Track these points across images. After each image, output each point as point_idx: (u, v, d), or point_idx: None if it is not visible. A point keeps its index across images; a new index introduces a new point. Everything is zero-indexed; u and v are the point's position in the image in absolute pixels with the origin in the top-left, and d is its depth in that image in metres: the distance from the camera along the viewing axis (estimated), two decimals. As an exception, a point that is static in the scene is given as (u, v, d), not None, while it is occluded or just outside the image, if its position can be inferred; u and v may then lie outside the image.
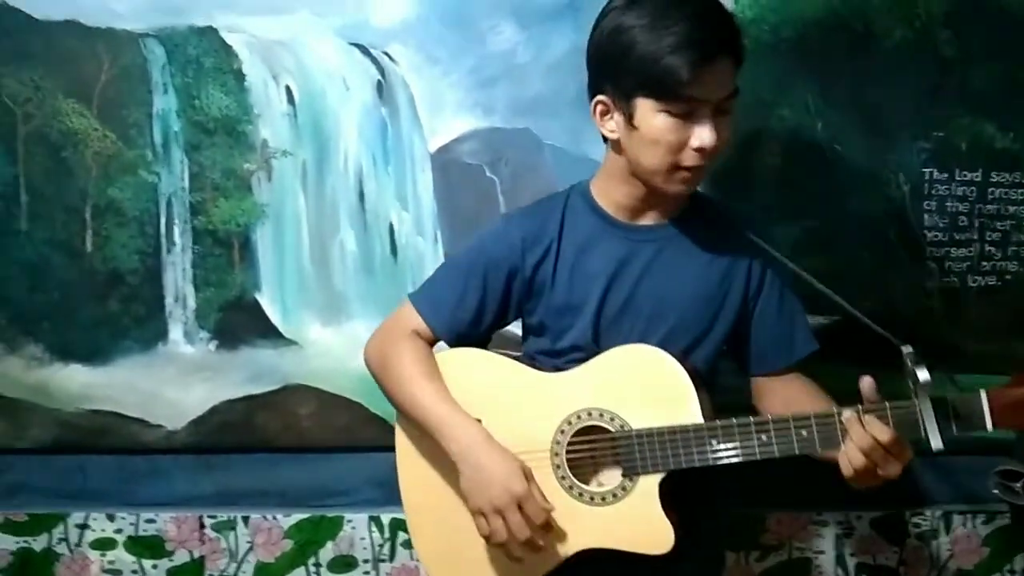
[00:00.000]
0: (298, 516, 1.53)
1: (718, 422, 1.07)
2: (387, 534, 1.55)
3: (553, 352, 1.18)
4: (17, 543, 1.54)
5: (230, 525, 1.54)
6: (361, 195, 1.50)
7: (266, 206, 1.50)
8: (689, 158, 1.07)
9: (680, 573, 1.12)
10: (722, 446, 1.06)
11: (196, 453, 1.52)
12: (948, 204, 1.52)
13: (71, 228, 1.49)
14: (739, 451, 1.05)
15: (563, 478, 1.12)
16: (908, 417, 0.99)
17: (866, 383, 1.01)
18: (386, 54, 1.47)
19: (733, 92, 1.07)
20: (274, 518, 1.54)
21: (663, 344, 1.12)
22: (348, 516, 1.54)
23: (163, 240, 1.50)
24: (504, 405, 1.14)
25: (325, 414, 1.50)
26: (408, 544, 1.52)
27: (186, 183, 1.49)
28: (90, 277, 1.49)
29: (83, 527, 1.54)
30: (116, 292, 1.50)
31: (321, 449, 1.52)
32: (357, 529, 1.54)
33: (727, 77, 1.05)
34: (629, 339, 1.13)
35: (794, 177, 1.50)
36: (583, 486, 1.11)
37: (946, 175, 1.52)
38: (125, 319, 1.50)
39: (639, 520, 1.08)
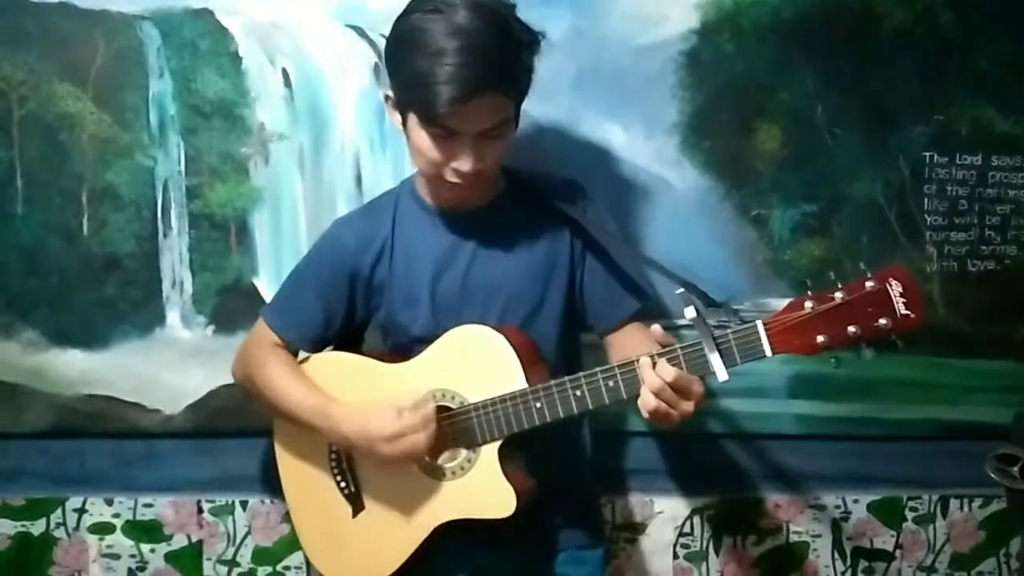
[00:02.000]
0: (296, 500, 1.53)
1: (539, 385, 1.12)
2: (385, 518, 1.55)
3: (403, 346, 1.25)
4: (15, 527, 1.54)
5: (228, 509, 1.55)
6: (358, 178, 1.50)
7: (263, 190, 1.49)
8: (451, 174, 1.14)
9: (548, 527, 1.25)
10: (544, 406, 1.12)
11: (194, 437, 1.51)
12: (948, 188, 1.52)
13: (67, 212, 1.48)
14: (559, 408, 1.11)
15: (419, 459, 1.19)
16: (696, 356, 1.03)
17: (656, 329, 1.06)
18: (383, 36, 1.45)
19: (502, 121, 1.12)
20: (272, 502, 1.54)
21: (500, 321, 1.20)
22: (346, 500, 1.54)
23: (160, 224, 1.49)
24: (359, 399, 1.21)
25: (323, 398, 1.50)
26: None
27: (182, 167, 1.48)
28: (87, 262, 1.49)
29: (81, 511, 1.54)
30: (113, 277, 1.49)
31: (319, 433, 1.52)
32: (355, 513, 1.54)
33: (491, 109, 1.10)
34: (468, 323, 1.19)
35: (794, 160, 1.49)
36: (434, 464, 1.19)
37: (946, 159, 1.52)
38: (122, 304, 1.50)
39: (485, 488, 1.16)
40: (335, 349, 1.31)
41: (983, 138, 1.51)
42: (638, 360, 1.06)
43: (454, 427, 1.18)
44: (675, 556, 1.57)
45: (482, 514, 1.16)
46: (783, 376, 1.52)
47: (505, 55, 1.09)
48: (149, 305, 1.50)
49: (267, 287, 1.50)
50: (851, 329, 0.98)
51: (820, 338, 0.99)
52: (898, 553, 1.59)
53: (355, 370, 1.25)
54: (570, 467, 1.30)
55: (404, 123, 1.16)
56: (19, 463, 1.53)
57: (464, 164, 1.12)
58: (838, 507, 1.58)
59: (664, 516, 1.56)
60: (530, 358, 1.16)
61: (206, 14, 1.45)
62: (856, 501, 1.58)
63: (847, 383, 1.51)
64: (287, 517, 1.54)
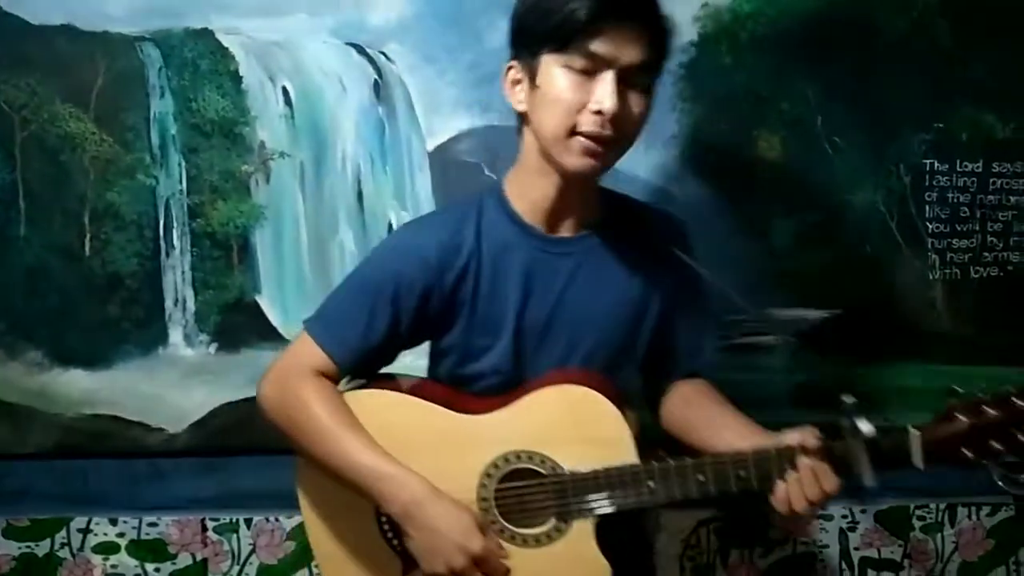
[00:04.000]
0: (301, 517, 1.52)
1: (655, 464, 1.02)
2: (390, 534, 1.54)
3: (465, 377, 1.10)
4: (20, 548, 1.53)
5: (232, 527, 1.54)
6: (359, 195, 1.50)
7: (264, 208, 1.49)
8: (587, 122, 0.99)
9: None
10: (659, 487, 1.02)
11: (197, 456, 1.51)
12: (949, 195, 1.52)
13: (69, 233, 1.48)
14: (676, 490, 1.02)
15: (493, 522, 1.06)
16: (843, 459, 0.99)
17: (809, 433, 1.01)
18: (383, 53, 1.47)
19: (645, 65, 0.99)
20: (276, 520, 1.54)
21: (585, 365, 1.08)
22: (351, 517, 1.54)
23: (162, 243, 1.49)
24: (423, 451, 1.05)
25: (326, 415, 1.50)
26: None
27: (184, 186, 1.49)
28: (89, 281, 1.49)
29: (85, 531, 1.53)
30: (115, 296, 1.49)
31: (323, 450, 1.52)
32: (360, 530, 1.54)
33: (636, 43, 0.98)
34: (550, 361, 1.08)
35: (795, 170, 1.49)
36: (515, 529, 1.06)
37: (947, 166, 1.52)
38: (125, 323, 1.50)
39: (575, 560, 1.04)
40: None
41: (983, 145, 1.51)
42: (777, 452, 1.00)
43: (541, 495, 1.05)
44: (682, 568, 1.56)
45: None
46: (787, 384, 1.51)
47: (662, 11, 1.01)
48: (152, 324, 1.50)
49: (269, 304, 1.50)
50: (995, 445, 0.97)
51: (968, 452, 0.98)
52: (906, 563, 1.58)
53: (420, 415, 1.07)
54: (639, 550, 1.18)
55: (534, 81, 1.01)
56: (23, 484, 1.53)
57: (606, 100, 0.96)
58: (845, 517, 1.57)
59: (671, 528, 1.55)
60: (638, 430, 1.06)
61: (206, 34, 1.46)
62: (863, 511, 1.57)
63: (852, 393, 1.50)
64: (292, 534, 1.54)
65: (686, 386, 1.17)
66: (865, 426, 0.99)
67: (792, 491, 0.99)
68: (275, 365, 1.10)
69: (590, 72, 0.98)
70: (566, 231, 1.10)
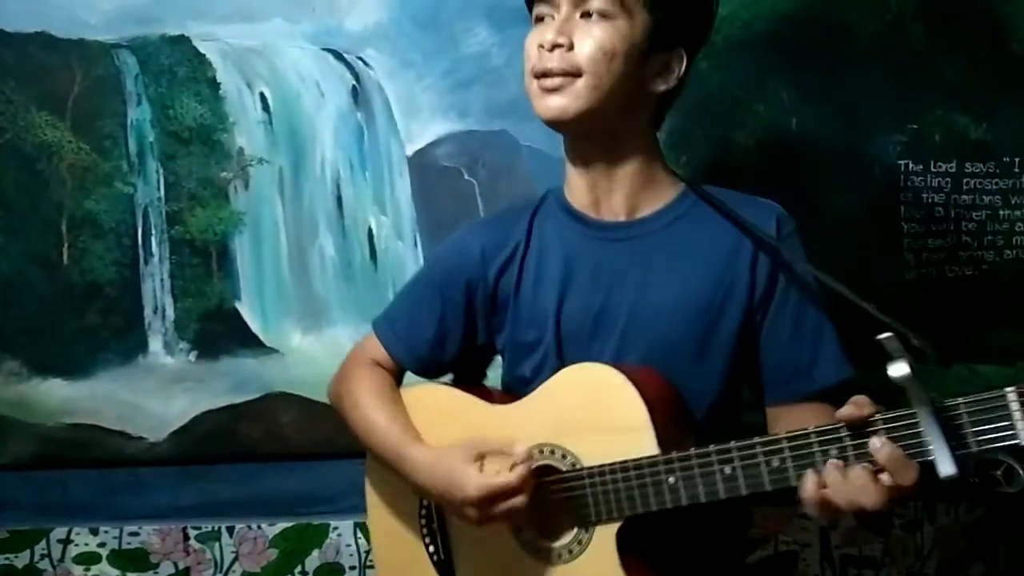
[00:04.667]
0: (283, 524, 1.52)
1: (675, 454, 0.87)
2: (373, 540, 1.54)
3: (517, 379, 1.04)
4: (-1, 560, 1.52)
5: (214, 536, 1.53)
6: (339, 201, 1.50)
7: (243, 214, 1.49)
8: (534, 58, 0.95)
9: None
10: (680, 483, 0.85)
11: (178, 464, 1.51)
12: (924, 195, 1.54)
13: (47, 241, 1.47)
14: (700, 488, 0.85)
15: (518, 530, 0.97)
16: (907, 433, 0.75)
17: (857, 401, 0.79)
18: (360, 59, 1.47)
19: None
20: (259, 527, 1.53)
21: (640, 363, 0.95)
22: (333, 523, 1.53)
23: (140, 251, 1.49)
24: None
25: (308, 421, 1.49)
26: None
27: (162, 193, 1.48)
28: (67, 290, 1.48)
29: (66, 542, 1.52)
30: (94, 305, 1.49)
31: (305, 457, 1.51)
32: (343, 536, 1.54)
33: None
34: (601, 359, 0.95)
35: (770, 172, 1.50)
36: (540, 541, 0.96)
37: (921, 167, 1.53)
38: (104, 332, 1.49)
39: None
40: (455, 378, 1.12)
41: (956, 146, 1.53)
42: (815, 432, 0.79)
43: (563, 496, 0.94)
44: (665, 570, 1.56)
45: None
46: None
47: None
48: (131, 332, 1.49)
49: (249, 312, 1.49)
50: None
51: None
52: (886, 560, 1.59)
53: (451, 408, 1.04)
54: (709, 560, 0.99)
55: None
56: (2, 495, 1.51)
57: (547, 34, 0.93)
58: (826, 516, 1.58)
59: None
60: (670, 417, 0.90)
61: (183, 41, 1.46)
62: (843, 509, 1.58)
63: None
64: (274, 542, 1.53)
65: (795, 412, 0.96)
66: (898, 369, 0.70)
67: (832, 482, 0.76)
68: (345, 357, 1.15)
69: (544, 17, 0.97)
70: (619, 215, 1.01)
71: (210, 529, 1.53)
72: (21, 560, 1.52)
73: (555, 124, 0.98)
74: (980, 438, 0.72)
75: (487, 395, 1.05)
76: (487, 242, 1.04)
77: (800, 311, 0.98)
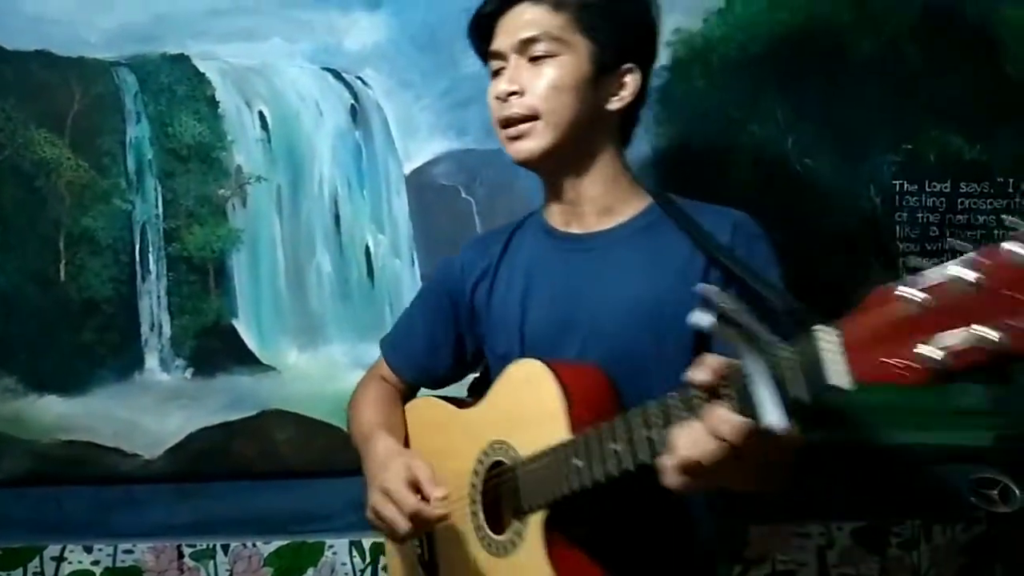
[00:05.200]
0: (278, 542, 1.52)
1: (579, 436, 0.88)
2: (368, 558, 1.53)
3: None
4: (-7, 578, 1.52)
5: (209, 554, 1.53)
6: (337, 219, 1.51)
7: (241, 232, 1.49)
8: (496, 109, 1.03)
9: None
10: (585, 464, 0.85)
11: (173, 481, 1.50)
12: (919, 215, 1.54)
13: (45, 258, 1.48)
14: (598, 467, 0.84)
15: (478, 527, 1.00)
16: (743, 387, 0.70)
17: (707, 365, 0.77)
18: (359, 78, 1.48)
19: (545, 38, 1.00)
20: (254, 545, 1.53)
21: (605, 369, 0.96)
22: (329, 541, 1.53)
23: (138, 268, 1.49)
24: (440, 450, 1.06)
25: (303, 439, 1.49)
26: (390, 568, 1.51)
27: (160, 210, 1.49)
28: (64, 307, 1.48)
29: (60, 559, 1.51)
30: (91, 321, 1.49)
31: (300, 474, 1.51)
32: (338, 554, 1.53)
33: (528, 22, 1.01)
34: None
35: (765, 192, 1.51)
36: (490, 535, 0.99)
37: (916, 186, 1.54)
38: (100, 348, 1.49)
39: (528, 572, 0.92)
40: (470, 392, 1.17)
41: (951, 166, 1.54)
42: (671, 394, 0.80)
43: (505, 489, 0.97)
44: (661, 589, 1.56)
45: None
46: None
47: None
48: (127, 349, 1.49)
49: (246, 329, 1.49)
50: (992, 334, 0.53)
51: (934, 353, 0.56)
52: (883, 580, 1.59)
53: (437, 416, 1.11)
54: (678, 564, 0.98)
55: None
56: (-4, 512, 1.51)
57: (499, 85, 1.01)
58: (823, 535, 1.57)
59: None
60: (589, 402, 0.90)
61: (183, 59, 1.47)
62: (840, 528, 1.57)
63: (825, 412, 1.52)
64: (269, 560, 1.53)
65: None
66: (702, 318, 0.66)
67: (675, 447, 0.76)
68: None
69: (499, 70, 1.04)
70: (588, 228, 1.06)
71: (205, 547, 1.52)
72: (15, 578, 1.52)
73: (526, 165, 1.05)
74: (807, 387, 0.67)
75: (464, 402, 1.11)
76: (467, 259, 1.14)
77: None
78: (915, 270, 0.61)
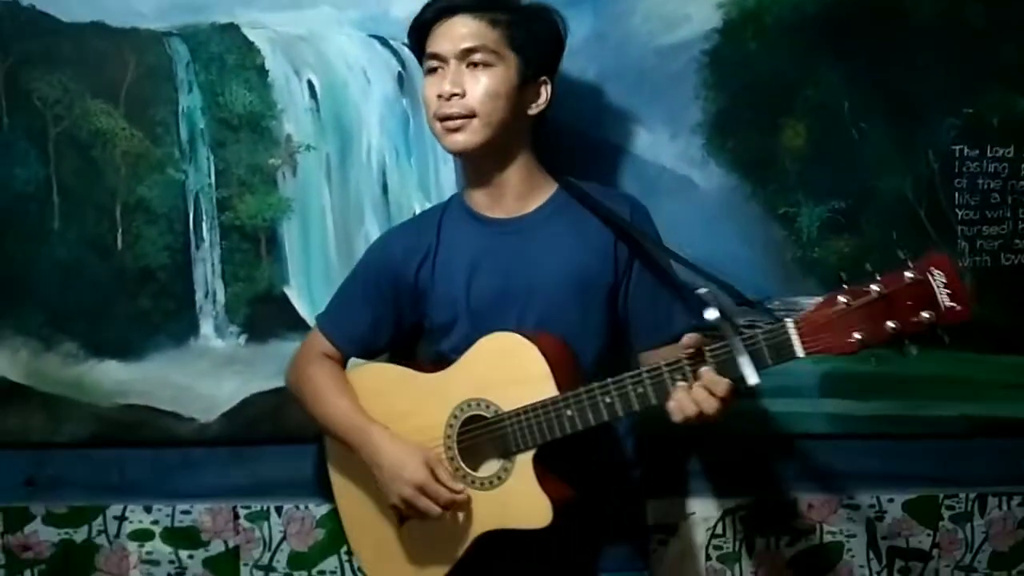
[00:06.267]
0: (330, 505, 1.55)
1: (569, 393, 1.11)
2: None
3: (443, 353, 1.25)
4: (59, 535, 1.57)
5: (263, 515, 1.57)
6: (385, 187, 1.51)
7: (291, 200, 1.51)
8: (436, 106, 1.20)
9: (591, 546, 1.23)
10: (575, 414, 1.10)
11: (228, 445, 1.54)
12: (979, 181, 1.50)
13: (102, 227, 1.51)
14: (590, 416, 1.10)
15: (457, 469, 1.20)
16: (724, 358, 1.01)
17: (689, 336, 1.04)
18: (406, 45, 1.46)
19: (482, 48, 1.18)
20: (306, 507, 1.56)
21: (537, 330, 1.17)
22: (379, 505, 1.56)
23: (191, 236, 1.52)
24: (403, 410, 1.23)
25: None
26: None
27: (212, 179, 1.51)
28: (121, 275, 1.52)
29: (121, 519, 1.57)
30: (147, 289, 1.52)
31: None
32: (388, 518, 1.56)
33: (467, 34, 1.18)
34: (505, 330, 1.17)
35: (820, 157, 1.48)
36: (473, 473, 1.18)
37: (977, 152, 1.50)
38: (156, 315, 1.52)
39: (521, 498, 1.14)
40: (391, 357, 1.33)
41: (1015, 129, 1.49)
42: (666, 364, 1.05)
43: (488, 436, 1.17)
44: (708, 558, 1.56)
45: (518, 524, 1.15)
46: (815, 375, 1.51)
47: None
48: (183, 316, 1.52)
49: (297, 296, 1.52)
50: (890, 325, 0.92)
51: (856, 335, 0.93)
52: (935, 552, 1.57)
53: (394, 380, 1.27)
54: (615, 477, 1.27)
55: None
56: (61, 472, 1.56)
57: (444, 86, 1.18)
58: (872, 506, 1.56)
59: (696, 517, 1.55)
60: (565, 367, 1.15)
61: (232, 29, 1.48)
62: (891, 500, 1.56)
63: (880, 381, 1.49)
64: (321, 522, 1.56)
65: (660, 354, 1.19)
66: (710, 313, 0.98)
67: (680, 398, 1.03)
68: (296, 351, 1.37)
69: (437, 69, 1.21)
70: (510, 212, 1.25)
71: (259, 509, 1.57)
72: (79, 535, 1.57)
73: (460, 155, 1.25)
74: (774, 356, 0.99)
75: (419, 367, 1.27)
76: (406, 245, 1.29)
77: (655, 279, 1.24)
78: (843, 283, 0.96)
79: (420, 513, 1.18)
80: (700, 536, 1.55)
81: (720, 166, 1.49)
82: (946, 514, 1.56)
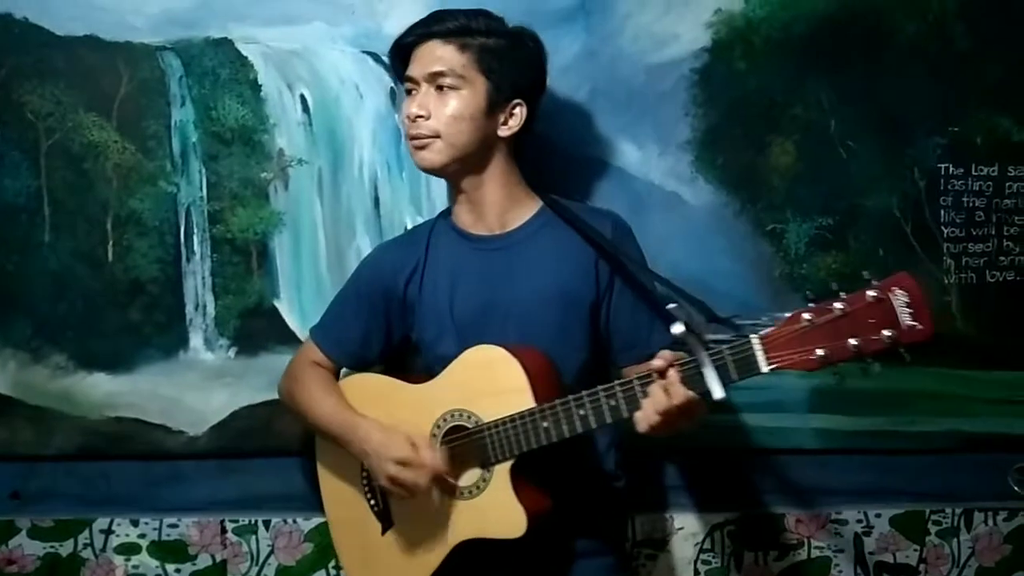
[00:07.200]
0: (318, 519, 1.54)
1: (545, 405, 1.13)
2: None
3: (430, 365, 1.28)
4: (44, 548, 1.56)
5: (251, 529, 1.56)
6: (376, 201, 1.52)
7: (283, 214, 1.52)
8: (407, 126, 1.25)
9: (570, 554, 1.25)
10: (551, 425, 1.13)
11: (217, 458, 1.54)
12: (964, 199, 1.52)
13: (93, 239, 1.51)
14: (564, 427, 1.12)
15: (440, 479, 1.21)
16: (691, 373, 1.03)
17: (664, 353, 1.07)
18: (385, 67, 1.48)
19: (450, 73, 1.21)
20: (294, 521, 1.56)
21: (520, 343, 1.19)
22: (368, 519, 1.55)
23: (183, 249, 1.52)
24: (389, 420, 1.25)
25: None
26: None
27: (204, 193, 1.51)
28: (112, 287, 1.52)
29: (108, 532, 1.56)
30: (137, 301, 1.52)
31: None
32: (377, 532, 1.55)
33: (438, 58, 1.22)
34: (489, 343, 1.20)
35: (808, 175, 1.50)
36: (454, 482, 1.21)
37: (962, 170, 1.51)
38: (146, 327, 1.53)
39: (498, 508, 1.17)
40: (385, 370, 1.35)
41: (999, 148, 1.50)
42: (638, 378, 1.08)
43: (469, 446, 1.19)
44: (695, 572, 1.56)
45: (495, 534, 1.17)
46: (802, 390, 1.51)
47: (464, 24, 1.23)
48: (173, 328, 1.53)
49: (288, 309, 1.52)
50: (852, 342, 0.93)
51: (819, 352, 0.95)
52: (922, 568, 1.57)
53: (381, 390, 1.30)
54: (596, 490, 1.28)
55: None
56: (48, 485, 1.56)
57: (411, 108, 1.23)
58: (860, 521, 1.56)
59: (684, 532, 1.56)
60: (545, 380, 1.17)
61: (226, 43, 1.49)
62: (878, 515, 1.56)
63: (866, 397, 1.50)
64: (309, 536, 1.56)
65: (640, 369, 1.18)
66: (675, 328, 0.99)
67: (646, 409, 1.05)
68: (289, 362, 1.39)
69: (411, 91, 1.25)
70: (492, 229, 1.28)
71: (247, 522, 1.56)
72: (65, 549, 1.57)
73: (429, 172, 1.28)
74: (739, 371, 1.01)
75: (407, 378, 1.30)
76: (396, 259, 1.32)
77: (635, 297, 1.27)
78: (812, 300, 0.98)
79: (409, 491, 1.20)
80: (688, 551, 1.56)
81: (709, 183, 1.50)
82: (933, 529, 1.57)
